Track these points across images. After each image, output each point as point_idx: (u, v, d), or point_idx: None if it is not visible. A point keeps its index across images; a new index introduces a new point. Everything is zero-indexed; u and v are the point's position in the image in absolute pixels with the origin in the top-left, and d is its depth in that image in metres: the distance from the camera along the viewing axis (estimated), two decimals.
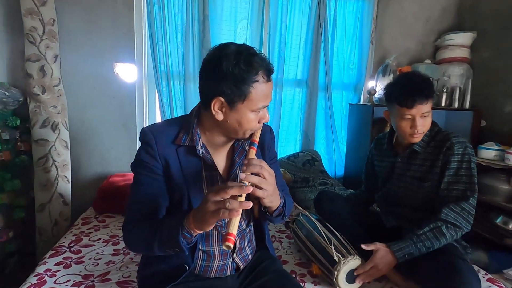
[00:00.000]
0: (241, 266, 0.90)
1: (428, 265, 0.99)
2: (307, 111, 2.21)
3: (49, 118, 1.62)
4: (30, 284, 1.02)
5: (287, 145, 2.27)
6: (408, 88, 1.07)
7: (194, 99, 1.95)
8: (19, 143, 1.62)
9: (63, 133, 1.67)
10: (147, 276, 0.87)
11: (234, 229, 0.61)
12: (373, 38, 2.22)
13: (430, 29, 2.31)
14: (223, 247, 0.60)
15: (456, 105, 2.11)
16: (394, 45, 2.27)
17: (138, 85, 1.92)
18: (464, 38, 2.15)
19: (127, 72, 1.85)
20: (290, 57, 2.13)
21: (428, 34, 2.31)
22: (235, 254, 0.88)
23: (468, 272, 0.91)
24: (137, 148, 1.99)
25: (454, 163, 1.08)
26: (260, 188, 0.70)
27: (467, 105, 2.10)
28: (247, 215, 0.92)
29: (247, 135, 0.80)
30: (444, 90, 2.09)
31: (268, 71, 0.74)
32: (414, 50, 2.31)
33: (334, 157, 2.27)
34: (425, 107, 1.07)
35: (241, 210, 0.63)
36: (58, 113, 1.65)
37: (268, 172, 0.71)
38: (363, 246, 1.06)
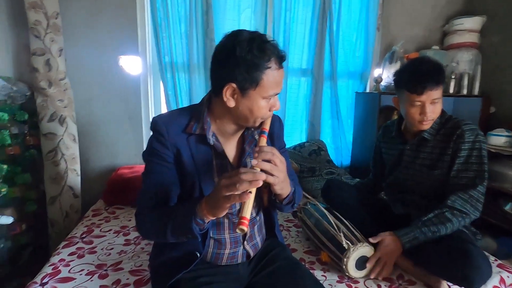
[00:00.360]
0: (252, 254, 0.91)
1: (437, 250, 0.99)
2: (312, 100, 2.20)
3: (57, 112, 1.63)
4: (45, 273, 1.04)
5: (293, 135, 2.27)
6: (418, 74, 1.06)
7: (199, 90, 1.94)
8: (28, 137, 1.63)
9: (71, 127, 1.68)
10: (159, 264, 0.88)
11: (247, 213, 0.62)
12: (380, 25, 2.18)
13: (438, 14, 2.26)
14: (237, 230, 0.61)
15: (464, 92, 2.08)
16: (401, 32, 2.22)
17: (143, 77, 1.91)
18: (473, 23, 2.10)
19: (131, 65, 1.85)
20: (295, 46, 2.10)
21: (436, 19, 2.26)
22: (245, 242, 0.89)
23: (479, 256, 0.91)
24: (144, 140, 2.00)
25: (465, 151, 1.07)
26: (272, 175, 0.70)
27: (476, 92, 2.07)
28: (257, 203, 0.92)
29: (257, 123, 0.80)
30: (453, 77, 2.06)
31: (280, 58, 0.75)
32: (421, 36, 2.27)
33: (340, 147, 2.27)
34: (435, 93, 1.06)
35: (253, 194, 0.64)
36: (65, 107, 1.65)
37: (279, 159, 0.72)
38: (370, 239, 1.06)
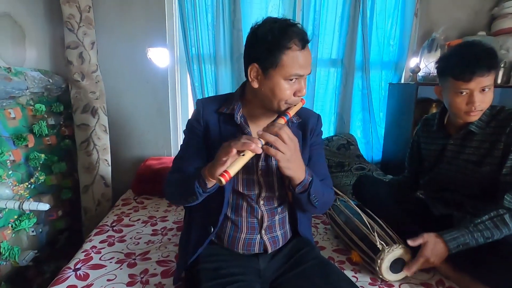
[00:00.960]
0: (269, 246, 0.88)
1: (489, 258, 0.89)
2: (342, 92, 2.09)
3: (89, 103, 1.68)
4: (78, 259, 1.08)
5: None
6: (466, 58, 0.94)
7: (226, 81, 1.92)
8: (63, 128, 1.71)
9: (102, 118, 1.73)
10: (184, 241, 0.95)
11: (231, 169, 0.64)
12: (418, 10, 2.01)
13: None
14: (215, 180, 0.67)
15: None
16: (442, 17, 2.04)
17: (170, 69, 1.92)
18: None
19: (159, 57, 1.86)
20: (324, 35, 2.01)
21: (483, 1, 2.05)
22: (263, 231, 0.88)
23: None
24: (171, 132, 2.03)
25: None
26: (276, 149, 0.69)
27: None
28: (280, 196, 0.90)
29: (282, 107, 0.79)
30: (502, 66, 1.86)
31: (303, 40, 0.75)
32: (465, 21, 2.07)
33: (371, 141, 2.15)
34: (486, 80, 0.94)
35: (246, 157, 0.65)
36: (96, 99, 1.70)
37: (288, 136, 0.69)
38: (409, 242, 0.96)
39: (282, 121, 0.77)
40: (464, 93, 0.97)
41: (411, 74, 1.96)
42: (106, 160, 1.76)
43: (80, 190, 1.72)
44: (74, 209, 1.75)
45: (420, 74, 1.94)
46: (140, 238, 1.25)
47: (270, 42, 0.73)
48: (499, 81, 1.89)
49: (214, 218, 0.85)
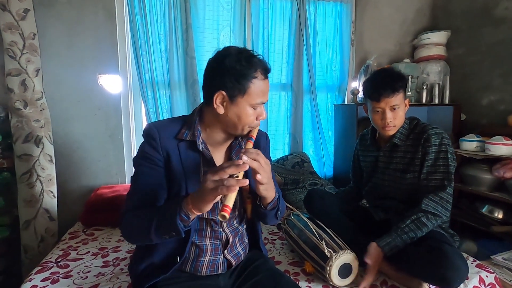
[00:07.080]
0: (233, 263, 0.91)
1: (415, 253, 1.01)
2: (293, 114, 2.25)
3: (32, 132, 1.59)
4: None
5: (276, 149, 2.29)
6: (375, 82, 1.14)
7: (181, 107, 1.95)
8: (1, 160, 1.58)
9: (47, 147, 1.64)
10: (140, 270, 0.86)
11: (230, 202, 0.65)
12: (353, 40, 2.29)
13: (407, 29, 2.40)
14: (219, 217, 0.64)
15: (436, 101, 2.18)
16: (374, 46, 2.34)
17: (124, 95, 1.91)
18: (439, 37, 2.24)
19: (111, 83, 1.85)
20: (274, 62, 2.17)
21: (405, 34, 2.41)
22: (226, 251, 0.89)
23: (455, 256, 0.94)
24: (125, 159, 1.95)
25: (432, 154, 1.12)
26: (257, 173, 0.73)
27: (446, 100, 2.18)
28: (240, 214, 0.93)
29: (245, 131, 0.84)
30: (424, 87, 2.16)
31: (266, 70, 0.81)
32: (393, 50, 2.40)
33: (322, 158, 2.30)
34: (393, 100, 1.12)
35: (237, 187, 0.66)
36: (41, 127, 1.62)
37: (264, 160, 0.74)
38: (367, 260, 1.05)
39: (250, 145, 0.81)
40: (378, 111, 1.14)
41: (352, 95, 2.18)
42: (51, 191, 1.65)
43: (20, 227, 1.57)
44: (12, 249, 1.58)
45: (360, 95, 2.17)
46: (89, 271, 1.17)
47: (239, 71, 0.76)
48: (424, 100, 2.19)
49: (180, 246, 0.83)
